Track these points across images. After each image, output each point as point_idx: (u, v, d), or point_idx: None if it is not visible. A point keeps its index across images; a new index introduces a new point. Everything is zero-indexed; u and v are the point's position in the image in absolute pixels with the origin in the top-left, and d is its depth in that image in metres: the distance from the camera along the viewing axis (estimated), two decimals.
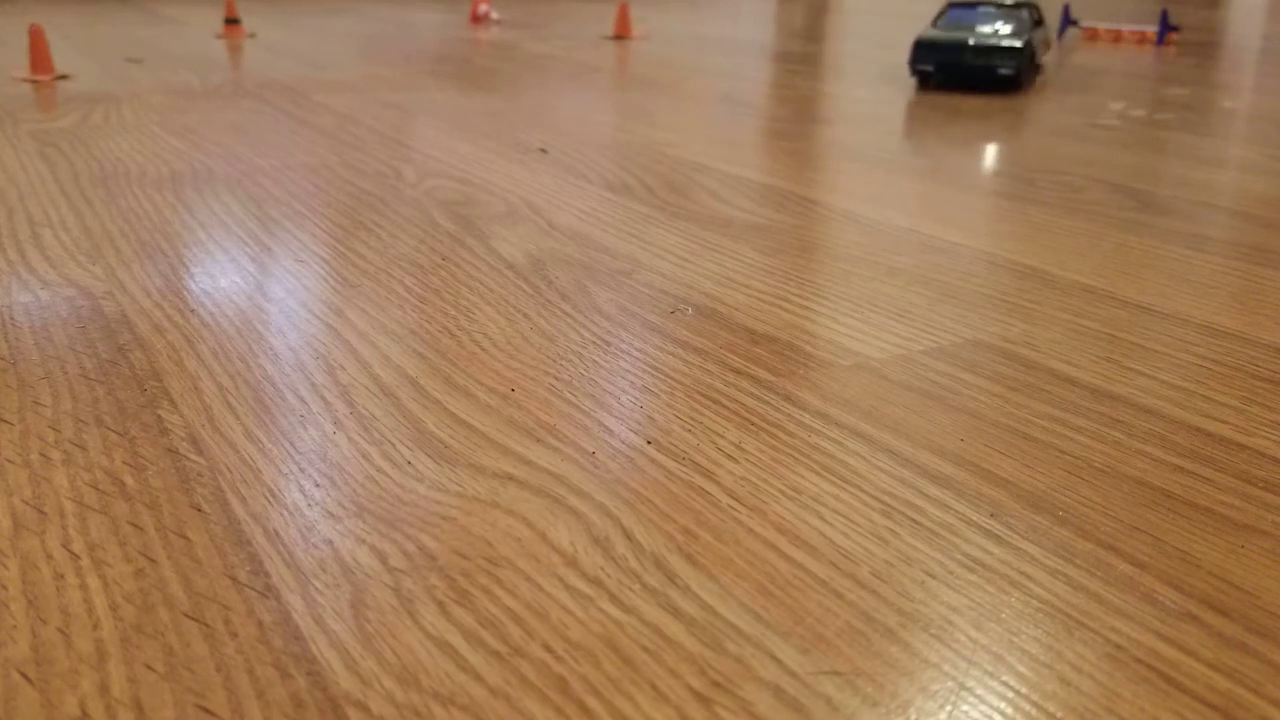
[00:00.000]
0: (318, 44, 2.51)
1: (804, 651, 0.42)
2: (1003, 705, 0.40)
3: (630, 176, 1.24)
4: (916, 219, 1.08)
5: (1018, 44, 1.97)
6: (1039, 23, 2.19)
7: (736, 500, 0.54)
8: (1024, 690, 0.41)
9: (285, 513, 0.52)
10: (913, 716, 0.39)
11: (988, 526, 0.52)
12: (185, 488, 0.54)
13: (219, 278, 0.86)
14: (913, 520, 0.52)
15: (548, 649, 0.42)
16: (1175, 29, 2.85)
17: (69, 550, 0.48)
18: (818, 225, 1.05)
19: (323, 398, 0.64)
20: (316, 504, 0.53)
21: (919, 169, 1.33)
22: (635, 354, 0.72)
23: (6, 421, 0.60)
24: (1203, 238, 1.03)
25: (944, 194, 1.19)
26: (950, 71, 2.02)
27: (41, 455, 0.57)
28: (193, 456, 0.57)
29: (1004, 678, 0.41)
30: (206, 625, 0.43)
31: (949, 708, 0.40)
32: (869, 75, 2.24)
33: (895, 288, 0.86)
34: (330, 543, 0.49)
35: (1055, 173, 1.31)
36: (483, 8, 3.18)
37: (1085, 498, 0.54)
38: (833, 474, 0.56)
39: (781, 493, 0.54)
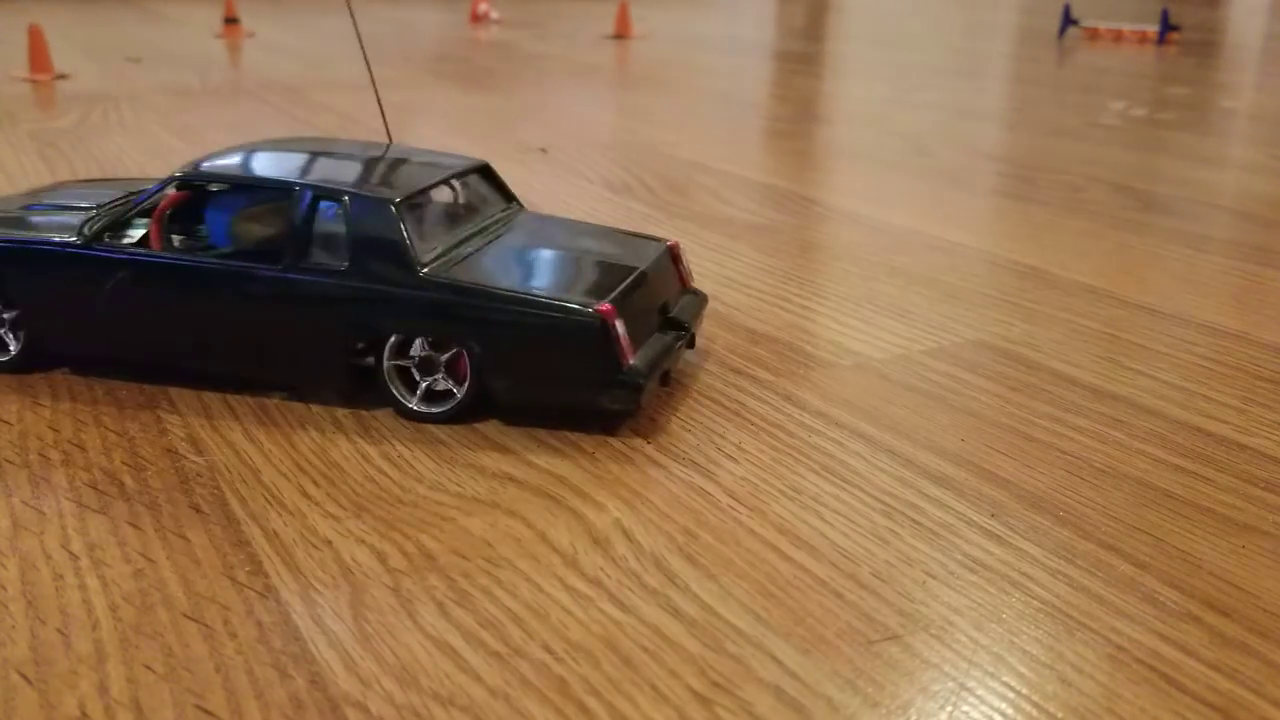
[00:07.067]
0: (318, 44, 2.51)
1: (804, 652, 0.42)
2: (1003, 705, 0.40)
3: (630, 176, 1.24)
4: (917, 219, 1.08)
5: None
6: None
7: (736, 500, 0.54)
8: (1024, 691, 0.41)
9: (285, 513, 0.52)
10: (913, 716, 0.39)
11: (988, 527, 0.52)
12: (185, 488, 0.54)
13: None
14: (913, 520, 0.52)
15: (548, 650, 0.42)
16: (1176, 28, 2.85)
17: (68, 550, 0.48)
18: (818, 225, 1.05)
19: (322, 398, 0.64)
20: (316, 504, 0.53)
21: (919, 169, 1.33)
22: None
23: (6, 421, 0.60)
24: (1204, 237, 1.03)
25: (944, 194, 1.19)
26: None
27: (41, 455, 0.57)
28: (192, 456, 0.57)
29: (1004, 678, 0.41)
30: (206, 625, 0.43)
31: (949, 708, 0.40)
32: (869, 75, 2.24)
33: (895, 288, 0.86)
34: (330, 543, 0.49)
35: (1056, 172, 1.30)
36: (482, 7, 3.18)
37: (1086, 498, 0.54)
38: (833, 474, 0.56)
39: (781, 493, 0.54)
